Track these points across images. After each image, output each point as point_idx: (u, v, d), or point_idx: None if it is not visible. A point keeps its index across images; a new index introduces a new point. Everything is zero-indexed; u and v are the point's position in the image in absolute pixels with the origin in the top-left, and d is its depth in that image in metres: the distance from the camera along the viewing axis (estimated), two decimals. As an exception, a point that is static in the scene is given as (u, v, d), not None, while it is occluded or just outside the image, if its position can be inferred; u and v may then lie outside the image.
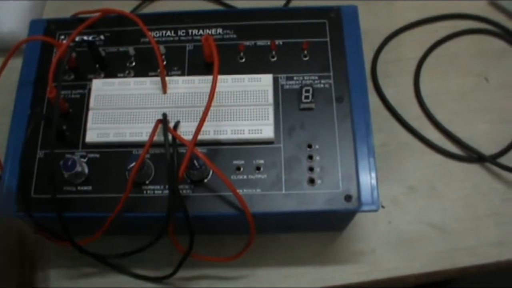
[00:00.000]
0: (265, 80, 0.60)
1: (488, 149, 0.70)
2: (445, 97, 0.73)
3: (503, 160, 0.69)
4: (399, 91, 0.74)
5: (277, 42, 0.62)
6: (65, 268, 0.66)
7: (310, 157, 0.57)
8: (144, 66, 0.62)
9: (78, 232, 0.59)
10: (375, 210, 0.55)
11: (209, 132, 0.57)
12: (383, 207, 0.67)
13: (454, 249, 0.65)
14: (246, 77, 0.60)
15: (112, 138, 0.58)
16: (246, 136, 0.57)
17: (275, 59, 0.62)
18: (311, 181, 0.56)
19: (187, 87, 0.59)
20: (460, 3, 0.79)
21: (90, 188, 0.57)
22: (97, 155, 0.58)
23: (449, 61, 0.76)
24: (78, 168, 0.56)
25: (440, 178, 0.69)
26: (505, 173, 0.69)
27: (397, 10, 0.79)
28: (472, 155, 0.70)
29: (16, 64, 0.63)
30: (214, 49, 0.56)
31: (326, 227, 0.65)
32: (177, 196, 0.53)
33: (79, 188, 0.57)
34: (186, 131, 0.57)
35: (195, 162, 0.54)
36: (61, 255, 0.65)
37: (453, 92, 0.74)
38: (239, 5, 0.80)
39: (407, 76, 0.75)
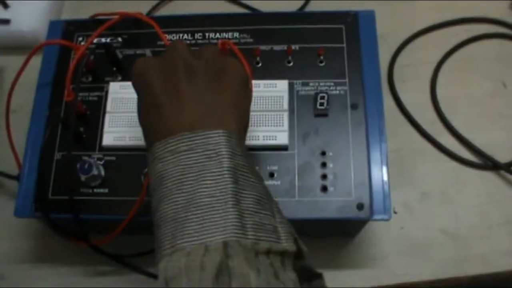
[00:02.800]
0: (281, 86, 0.60)
1: (503, 157, 0.69)
2: (462, 102, 0.73)
3: (518, 168, 0.69)
4: (415, 96, 0.73)
5: (293, 47, 0.62)
6: (80, 265, 0.67)
7: (324, 164, 0.57)
8: (161, 70, 0.62)
9: (94, 230, 0.60)
10: (387, 219, 0.55)
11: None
12: (395, 212, 0.67)
13: (466, 257, 0.65)
14: (261, 82, 0.60)
15: (128, 142, 0.59)
16: (261, 142, 0.58)
17: (291, 64, 0.62)
18: (324, 188, 0.56)
19: (203, 92, 0.60)
20: (481, 5, 0.78)
21: (106, 190, 0.58)
22: (114, 158, 0.59)
23: (467, 65, 0.75)
24: (95, 171, 0.57)
25: (454, 184, 0.68)
26: (520, 182, 0.68)
27: (417, 11, 0.79)
28: (487, 162, 0.69)
29: (34, 63, 0.64)
30: (239, 53, 0.57)
31: (338, 232, 0.65)
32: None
33: (95, 190, 0.58)
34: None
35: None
36: (77, 253, 0.66)
37: (470, 97, 0.73)
38: (256, 5, 0.80)
39: (424, 80, 0.74)
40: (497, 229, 0.66)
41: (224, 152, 0.40)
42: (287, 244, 0.40)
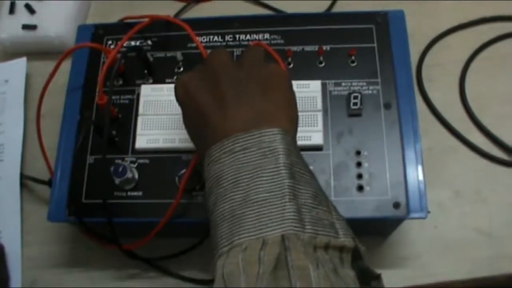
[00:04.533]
0: (314, 87, 0.60)
1: (535, 154, 0.68)
2: (491, 100, 0.72)
3: (550, 166, 0.68)
4: (444, 95, 0.73)
5: (324, 47, 0.62)
6: (111, 269, 0.67)
7: (359, 164, 0.57)
8: (192, 72, 0.62)
9: (127, 234, 0.60)
10: (424, 218, 0.55)
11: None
12: (428, 212, 0.66)
13: (501, 255, 0.64)
14: (294, 83, 0.58)
15: (161, 144, 0.59)
16: (295, 142, 0.57)
17: (322, 64, 0.62)
18: (360, 187, 0.56)
19: (235, 93, 0.59)
20: (508, 3, 0.77)
21: (140, 193, 0.58)
22: (147, 161, 0.59)
23: (496, 63, 0.74)
24: (129, 174, 0.57)
25: (486, 183, 0.68)
26: (552, 179, 0.67)
27: (443, 11, 0.78)
28: (518, 160, 0.69)
29: (61, 67, 0.64)
30: (275, 55, 0.58)
31: (371, 232, 0.65)
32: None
33: (129, 193, 0.58)
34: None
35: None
36: (108, 257, 0.66)
37: (500, 95, 0.72)
38: (280, 6, 0.80)
39: (452, 79, 0.74)
40: (531, 227, 0.66)
41: (280, 149, 0.41)
42: (345, 239, 0.40)
